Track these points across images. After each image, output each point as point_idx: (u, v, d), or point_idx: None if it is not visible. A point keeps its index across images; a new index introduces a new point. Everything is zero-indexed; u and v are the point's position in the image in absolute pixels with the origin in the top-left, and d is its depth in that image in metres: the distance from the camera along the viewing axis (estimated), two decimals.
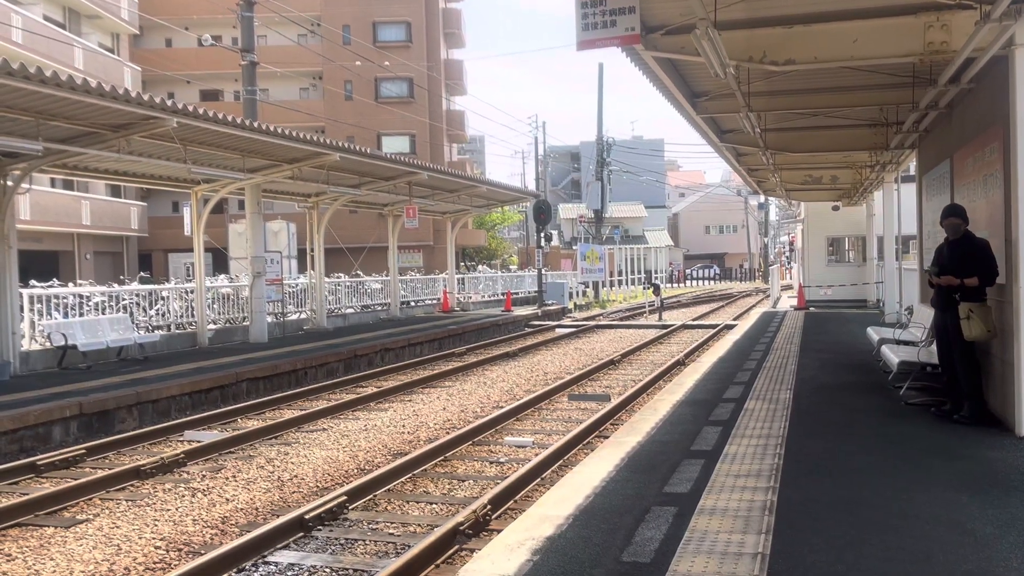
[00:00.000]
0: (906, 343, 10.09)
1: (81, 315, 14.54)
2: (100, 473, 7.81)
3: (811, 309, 23.14)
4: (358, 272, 25.41)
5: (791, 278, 38.11)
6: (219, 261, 27.76)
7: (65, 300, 14.62)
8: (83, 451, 8.70)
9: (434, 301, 28.23)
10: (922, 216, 12.04)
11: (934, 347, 8.73)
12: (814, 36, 7.63)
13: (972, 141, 8.30)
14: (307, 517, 6.11)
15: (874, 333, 11.63)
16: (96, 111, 11.09)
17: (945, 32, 7.09)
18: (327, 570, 5.39)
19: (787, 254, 44.93)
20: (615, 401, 10.90)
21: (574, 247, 44.21)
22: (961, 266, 7.08)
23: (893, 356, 8.99)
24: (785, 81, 9.55)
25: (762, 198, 64.11)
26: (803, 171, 18.48)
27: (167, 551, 5.81)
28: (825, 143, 14.43)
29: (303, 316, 20.88)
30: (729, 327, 20.99)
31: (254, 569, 5.43)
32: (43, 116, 10.99)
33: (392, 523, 6.34)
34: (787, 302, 27.09)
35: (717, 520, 4.77)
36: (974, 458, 6.12)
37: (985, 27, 6.06)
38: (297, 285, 21.58)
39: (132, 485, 7.60)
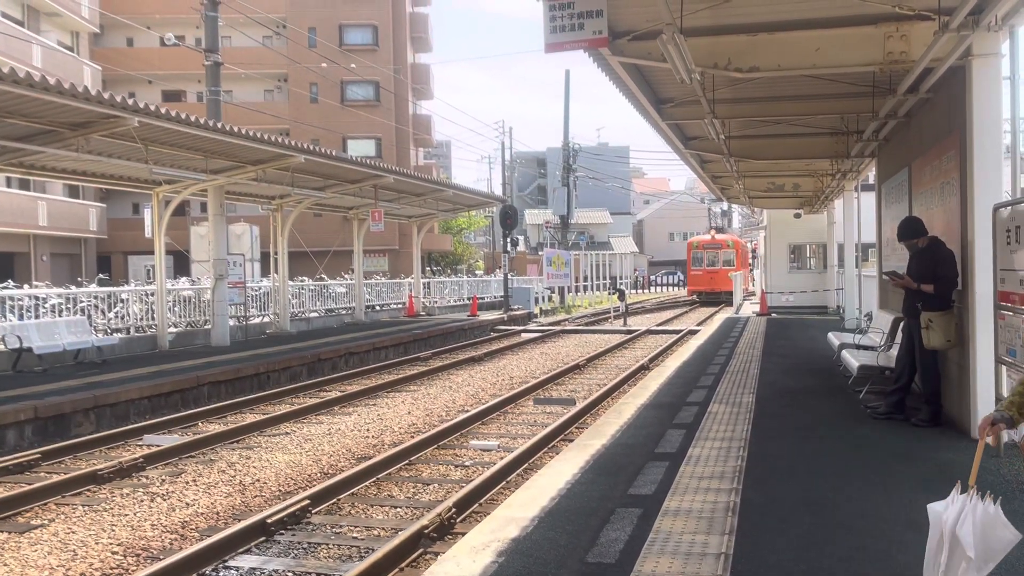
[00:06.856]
0: (865, 348, 10.26)
1: (37, 317, 14.22)
2: (56, 478, 7.64)
3: (773, 315, 23.43)
4: (322, 276, 25.19)
5: (754, 285, 38.56)
6: (181, 264, 27.34)
7: (20, 302, 14.28)
8: (38, 455, 8.49)
9: (399, 305, 28.07)
10: (881, 224, 12.26)
11: (892, 352, 8.90)
12: (778, 44, 7.74)
13: (930, 150, 8.47)
14: (269, 521, 6.03)
15: (835, 338, 11.81)
16: (55, 109, 10.86)
17: (904, 42, 7.24)
18: (290, 574, 5.32)
19: (751, 261, 45.34)
20: (580, 405, 10.92)
21: (540, 252, 44.21)
22: (923, 274, 7.23)
23: (853, 360, 9.15)
24: (749, 88, 9.68)
25: (725, 205, 64.89)
26: (766, 178, 18.73)
27: (124, 556, 5.69)
28: (788, 151, 14.63)
29: (266, 320, 20.64)
30: (692, 332, 21.16)
31: (215, 574, 5.34)
32: None
33: (356, 527, 6.28)
34: (750, 308, 27.40)
35: (681, 521, 4.80)
36: (931, 460, 6.24)
37: (943, 37, 6.20)
38: (260, 288, 21.32)
39: (89, 490, 7.44)
